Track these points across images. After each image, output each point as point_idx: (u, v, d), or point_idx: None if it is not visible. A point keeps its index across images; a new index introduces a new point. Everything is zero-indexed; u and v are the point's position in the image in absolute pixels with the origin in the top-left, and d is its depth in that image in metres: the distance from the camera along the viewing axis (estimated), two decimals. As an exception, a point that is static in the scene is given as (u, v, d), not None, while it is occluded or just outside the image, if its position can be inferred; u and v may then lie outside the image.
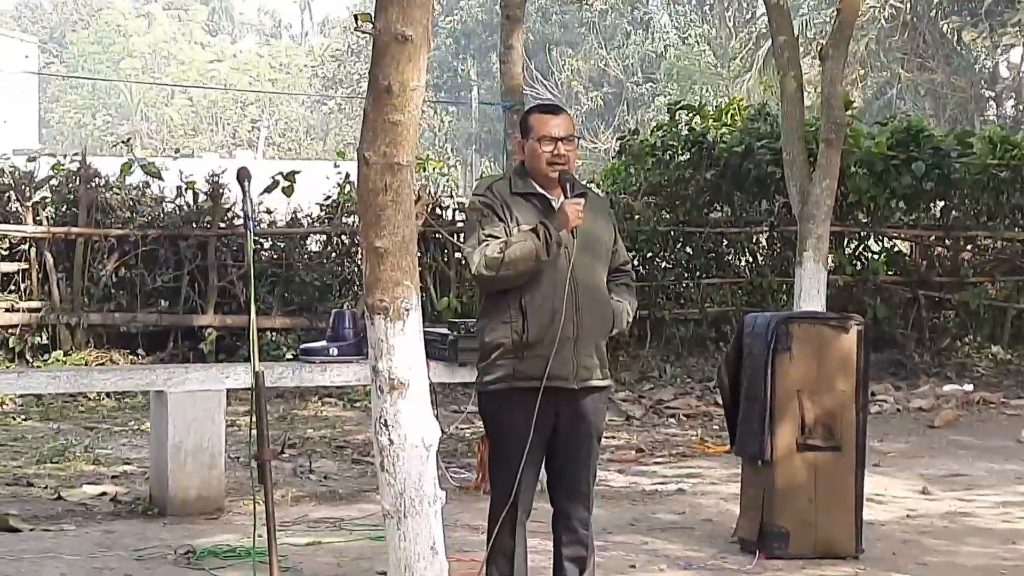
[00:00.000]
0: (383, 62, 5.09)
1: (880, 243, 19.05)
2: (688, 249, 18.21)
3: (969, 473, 11.28)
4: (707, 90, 43.22)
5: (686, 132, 18.63)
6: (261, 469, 5.77)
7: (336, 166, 16.86)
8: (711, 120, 18.85)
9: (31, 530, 8.69)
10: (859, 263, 18.57)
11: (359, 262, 14.92)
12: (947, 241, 19.11)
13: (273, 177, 16.36)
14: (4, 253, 15.64)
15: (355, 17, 5.24)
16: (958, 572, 7.83)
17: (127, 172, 16.34)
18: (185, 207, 16.39)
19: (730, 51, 44.58)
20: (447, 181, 19.33)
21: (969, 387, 16.24)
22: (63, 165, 16.16)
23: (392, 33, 5.06)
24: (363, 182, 5.19)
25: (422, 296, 11.79)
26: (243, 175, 6.02)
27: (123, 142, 17.61)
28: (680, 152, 18.51)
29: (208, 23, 71.92)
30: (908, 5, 38.21)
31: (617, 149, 20.02)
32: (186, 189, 16.38)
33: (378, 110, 5.13)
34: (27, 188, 15.82)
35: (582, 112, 48.43)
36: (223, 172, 16.23)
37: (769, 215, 18.49)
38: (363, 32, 5.17)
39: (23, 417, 13.47)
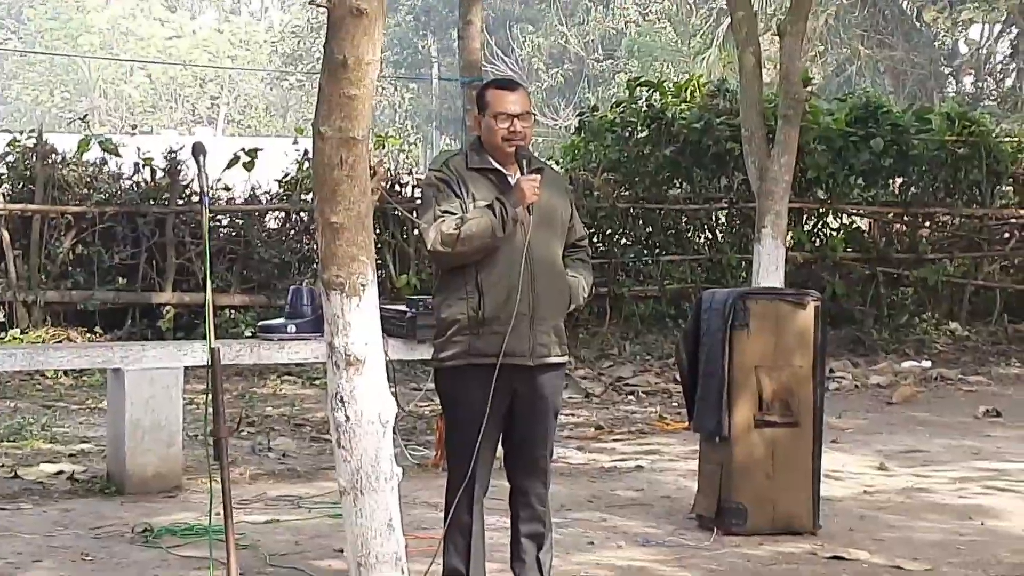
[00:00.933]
0: (338, 36, 5.07)
1: (839, 220, 19.13)
2: (647, 226, 18.25)
3: (926, 449, 11.32)
4: (668, 67, 43.24)
5: (645, 109, 18.65)
6: (217, 447, 5.75)
7: (295, 143, 16.79)
8: (670, 96, 18.88)
9: (-13, 509, 8.66)
10: (818, 240, 18.66)
11: (317, 239, 14.91)
12: (905, 217, 19.20)
13: (235, 153, 16.29)
14: (-40, 231, 15.53)
15: (310, -9, 5.21)
16: (915, 547, 7.86)
17: (84, 149, 16.23)
18: (143, 184, 16.29)
19: (690, 28, 44.57)
20: (407, 158, 19.30)
21: (927, 363, 16.32)
22: (19, 142, 16.04)
23: (347, 7, 5.04)
24: (318, 157, 5.17)
25: (381, 274, 11.77)
26: (198, 150, 6.00)
27: (80, 119, 17.50)
28: (639, 129, 18.54)
29: (167, -1, 71.56)
30: (867, -19, 38.31)
31: (577, 126, 20.03)
32: (144, 166, 16.29)
33: (333, 84, 5.11)
34: (-17, 165, 15.72)
35: (542, 89, 48.36)
36: (181, 149, 16.15)
37: (728, 192, 18.54)
38: (318, 6, 5.15)
39: (-21, 396, 13.40)
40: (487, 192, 6.07)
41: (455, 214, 6.00)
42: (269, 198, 16.82)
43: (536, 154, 6.38)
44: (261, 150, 16.50)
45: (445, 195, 6.06)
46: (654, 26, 48.82)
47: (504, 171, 6.16)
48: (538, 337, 6.09)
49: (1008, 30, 40.17)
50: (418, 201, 15.88)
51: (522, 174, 6.08)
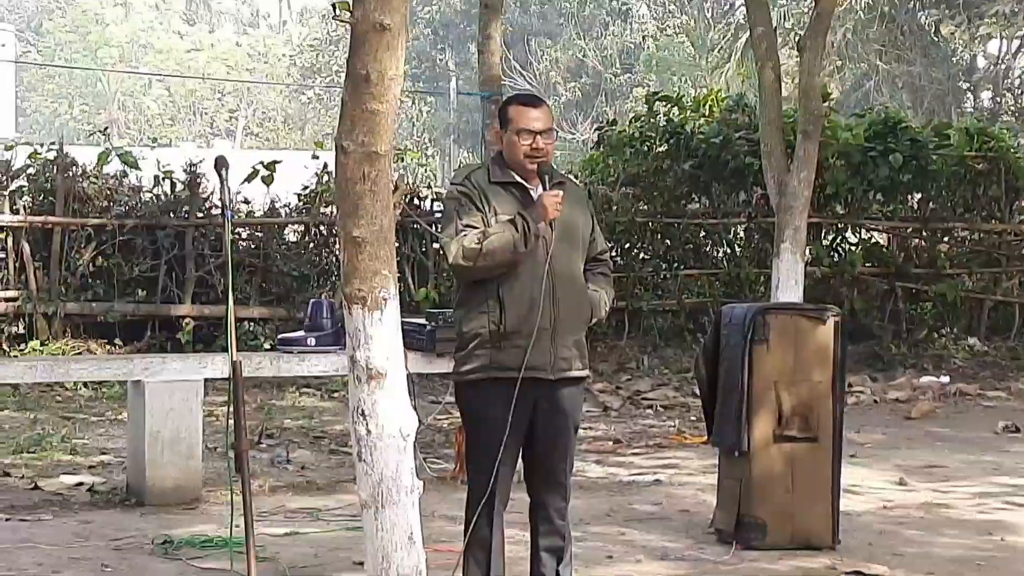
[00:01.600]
0: (361, 51, 5.09)
1: (857, 235, 19.12)
2: (666, 240, 18.24)
3: (945, 464, 11.30)
4: (686, 81, 43.20)
5: (664, 123, 18.66)
6: (239, 459, 5.77)
7: (315, 156, 16.82)
8: (689, 111, 18.88)
9: (7, 520, 8.67)
10: (836, 255, 18.64)
11: (337, 252, 14.89)
12: (924, 233, 19.18)
13: (254, 166, 16.32)
14: (-19, 243, 15.59)
15: (333, 6, 5.23)
16: (934, 563, 7.85)
17: (104, 161, 16.28)
18: (163, 196, 16.34)
19: (708, 42, 44.53)
20: (425, 171, 19.35)
21: (946, 379, 16.29)
22: (40, 154, 16.09)
23: (370, 22, 5.06)
24: (341, 171, 5.19)
25: (400, 287, 11.83)
26: (221, 164, 6.01)
27: (100, 131, 17.58)
28: (658, 143, 18.53)
29: (186, 12, 71.63)
30: (886, -4, 38.26)
31: (595, 140, 20.04)
32: (163, 178, 16.34)
33: (356, 99, 5.13)
34: (4, 177, 15.75)
35: (560, 103, 48.37)
36: (201, 161, 16.20)
37: (747, 206, 18.53)
38: (341, 21, 5.17)
39: (-1, 407, 13.44)
40: (509, 206, 6.08)
41: (477, 228, 6.01)
42: (288, 211, 16.84)
43: (555, 168, 6.38)
44: (280, 163, 16.54)
45: (467, 209, 6.07)
46: (672, 40, 48.80)
47: (527, 185, 6.17)
48: (559, 351, 6.10)
49: (1027, 45, 40.14)
50: (437, 214, 16.00)
51: (544, 189, 6.09)
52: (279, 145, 53.33)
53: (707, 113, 18.85)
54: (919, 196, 19.35)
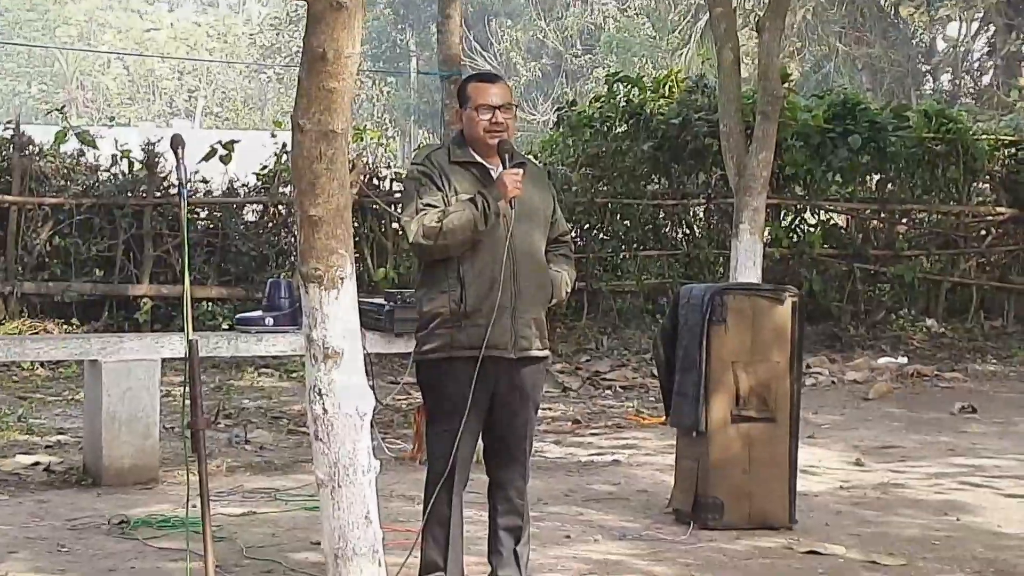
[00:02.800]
0: (318, 29, 5.07)
1: (816, 216, 19.17)
2: (625, 221, 18.23)
3: (902, 445, 11.36)
4: (646, 62, 43.24)
5: (624, 104, 18.64)
6: (195, 439, 5.73)
7: (273, 136, 16.77)
8: (649, 92, 18.88)
9: (-37, 500, 8.64)
10: (795, 236, 18.66)
11: (295, 232, 14.87)
12: (883, 214, 19.23)
13: (212, 146, 16.26)
14: (-63, 221, 15.49)
15: (291, -17, 5.21)
16: (890, 543, 7.88)
17: (62, 140, 16.20)
18: (120, 176, 16.27)
19: (669, 23, 44.58)
20: (385, 151, 19.29)
21: (903, 360, 16.36)
22: (-4, 133, 16.01)
23: (327, 0, 5.04)
24: (298, 150, 5.17)
25: (359, 267, 11.77)
26: (177, 142, 5.97)
27: (58, 110, 17.47)
28: (618, 124, 18.53)
29: (145, -9, 71.34)
30: (845, -22, 38.35)
31: (555, 120, 20.02)
32: (121, 158, 16.27)
33: (313, 77, 5.11)
34: (-40, 156, 15.66)
35: (521, 83, 48.38)
36: (159, 141, 16.12)
37: (706, 187, 18.56)
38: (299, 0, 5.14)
39: (-45, 386, 13.37)
40: (469, 186, 6.08)
41: (437, 207, 6.00)
42: (247, 191, 16.80)
43: (516, 147, 6.37)
44: (238, 142, 16.47)
45: (427, 189, 6.06)
46: (633, 21, 48.85)
47: (487, 164, 6.16)
48: (519, 330, 6.10)
49: (985, 27, 40.25)
50: (397, 195, 15.97)
51: (504, 168, 6.09)
52: (239, 125, 53.17)
53: (667, 94, 18.85)
54: (878, 178, 19.41)
